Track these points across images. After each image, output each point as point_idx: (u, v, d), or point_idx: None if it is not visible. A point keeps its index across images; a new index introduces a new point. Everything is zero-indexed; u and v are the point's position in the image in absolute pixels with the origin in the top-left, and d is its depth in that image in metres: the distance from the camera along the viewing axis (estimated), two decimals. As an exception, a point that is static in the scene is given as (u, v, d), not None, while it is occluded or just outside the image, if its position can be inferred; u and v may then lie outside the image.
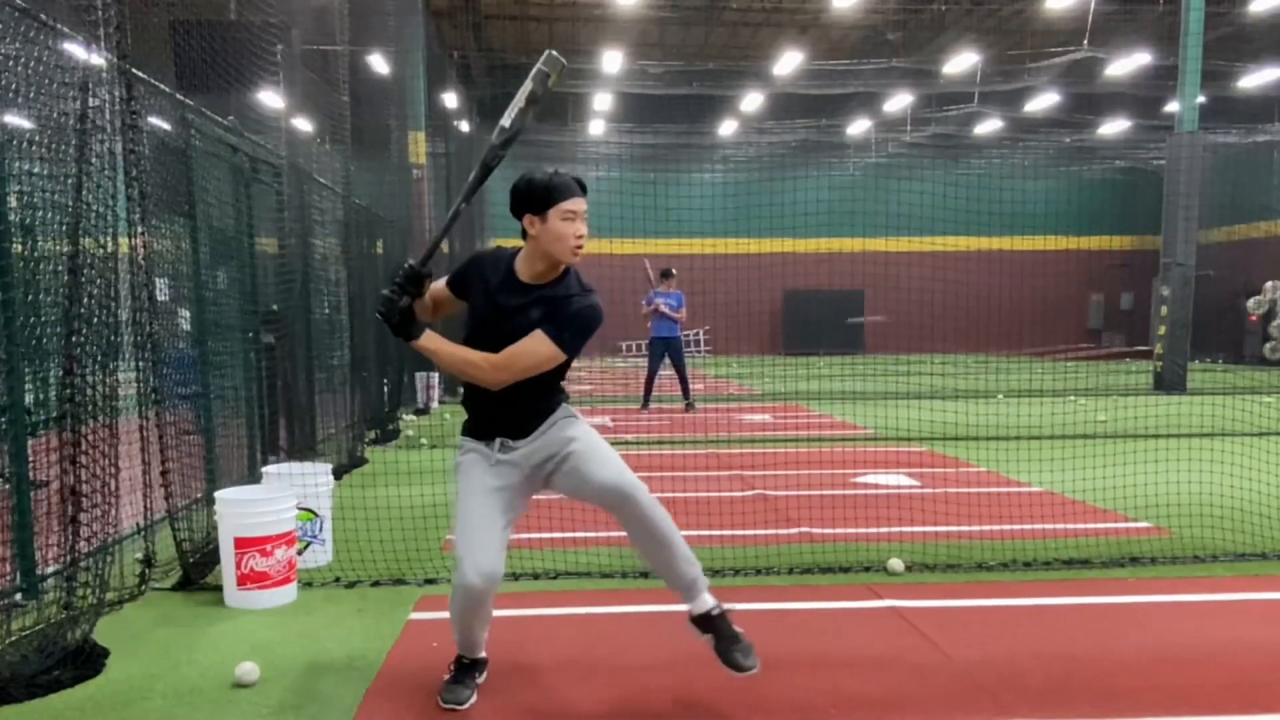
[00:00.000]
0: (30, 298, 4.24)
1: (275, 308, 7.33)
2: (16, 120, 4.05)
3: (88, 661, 3.73)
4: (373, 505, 6.25)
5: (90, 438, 3.99)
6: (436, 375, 13.94)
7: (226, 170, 6.38)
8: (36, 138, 4.07)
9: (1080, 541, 5.61)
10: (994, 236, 17.31)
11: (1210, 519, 5.84)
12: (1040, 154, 27.91)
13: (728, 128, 26.83)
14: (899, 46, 22.87)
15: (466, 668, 3.47)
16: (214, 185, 6.12)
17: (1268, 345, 22.18)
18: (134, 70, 4.53)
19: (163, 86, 5.27)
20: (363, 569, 5.03)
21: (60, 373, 4.03)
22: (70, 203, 4.00)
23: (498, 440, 3.30)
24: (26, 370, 4.32)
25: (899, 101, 24.29)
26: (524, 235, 3.21)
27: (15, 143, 4.09)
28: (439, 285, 3.37)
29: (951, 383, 17.23)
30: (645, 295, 12.60)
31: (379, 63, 11.89)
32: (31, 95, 3.94)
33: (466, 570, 3.17)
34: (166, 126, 5.49)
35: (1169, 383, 15.74)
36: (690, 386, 13.07)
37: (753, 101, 24.72)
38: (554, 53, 3.23)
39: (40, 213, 4.07)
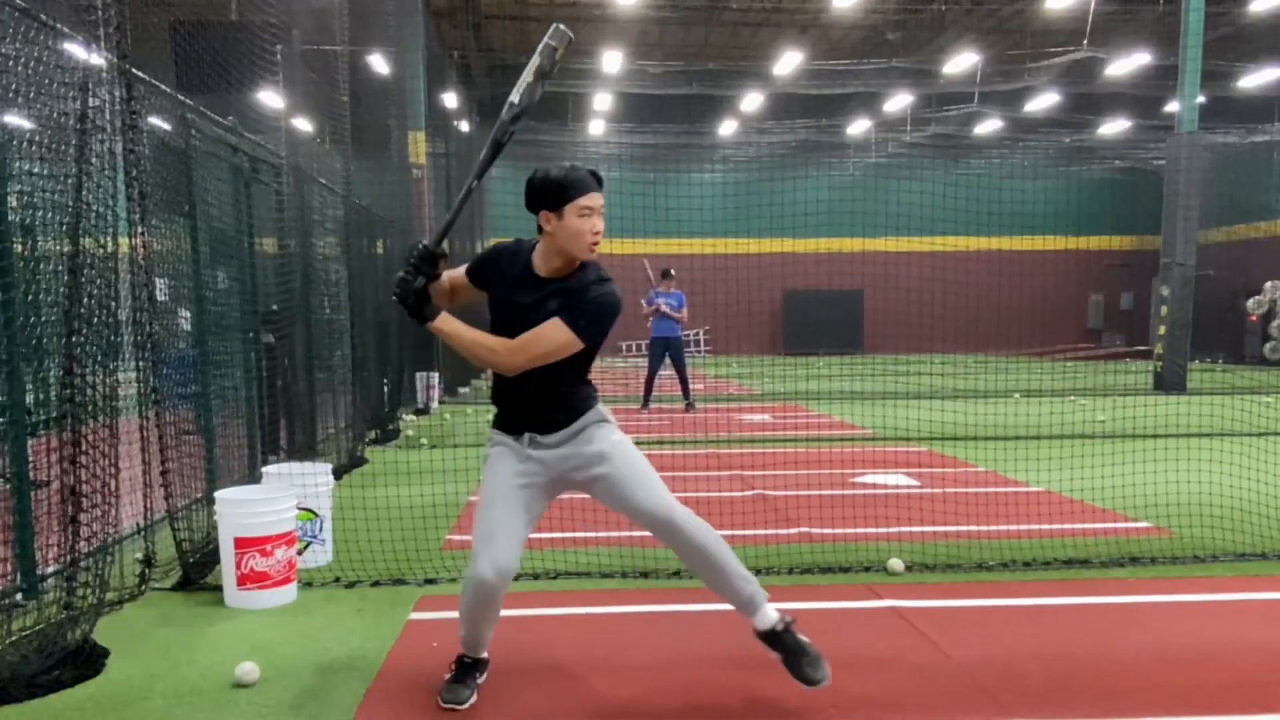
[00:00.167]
0: (30, 298, 4.24)
1: (275, 308, 7.33)
2: (16, 120, 4.05)
3: (88, 661, 3.73)
4: (373, 505, 6.25)
5: (90, 438, 3.99)
6: (436, 375, 13.94)
7: (226, 170, 6.38)
8: (36, 138, 4.07)
9: (1080, 541, 5.61)
10: (994, 236, 17.33)
11: (1210, 519, 5.84)
12: (1040, 154, 27.92)
13: (728, 128, 26.84)
14: (899, 46, 22.87)
15: (468, 667, 3.46)
16: (214, 185, 6.11)
17: (1268, 345, 22.22)
18: (134, 70, 4.53)
19: (163, 86, 5.27)
20: (363, 569, 5.03)
21: (60, 373, 4.03)
22: (70, 203, 4.00)
23: (527, 435, 3.28)
24: (26, 370, 4.32)
25: (899, 101, 24.30)
26: (540, 230, 3.19)
27: (15, 143, 4.09)
28: (457, 272, 3.36)
29: (951, 382, 17.23)
30: (646, 295, 12.61)
31: (379, 63, 11.89)
32: (31, 95, 3.94)
33: (482, 564, 3.16)
34: (166, 126, 5.49)
35: (1169, 383, 15.74)
36: (690, 387, 13.07)
37: (753, 101, 24.72)
38: (561, 26, 3.23)
39: (40, 213, 4.07)
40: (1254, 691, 3.47)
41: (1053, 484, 7.33)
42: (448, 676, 3.45)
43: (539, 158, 22.80)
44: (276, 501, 4.62)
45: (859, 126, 26.40)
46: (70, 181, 4.01)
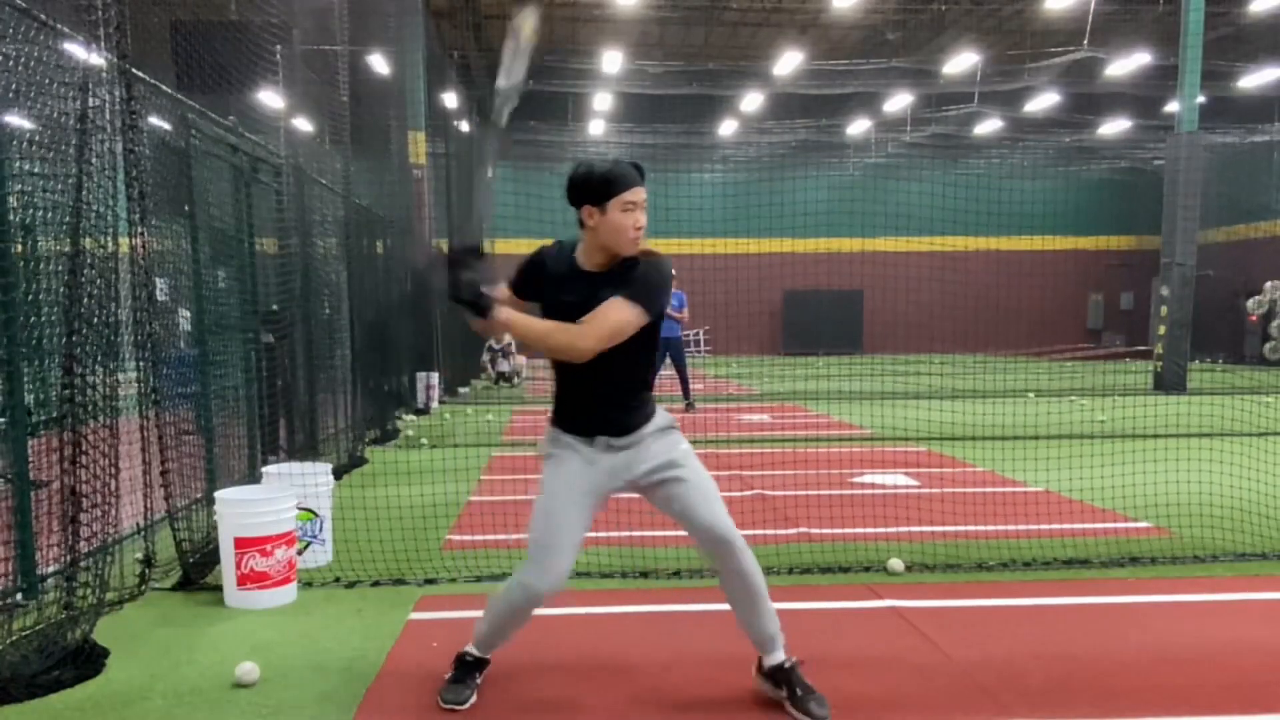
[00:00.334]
0: (30, 298, 4.24)
1: (275, 308, 7.33)
2: (16, 120, 4.05)
3: (88, 661, 3.73)
4: (373, 505, 6.24)
5: (90, 438, 3.99)
6: (436, 375, 13.94)
7: (226, 170, 6.38)
8: (36, 138, 4.07)
9: (1080, 541, 5.60)
10: (994, 236, 17.32)
11: (1210, 519, 5.84)
12: (1040, 154, 27.93)
13: (728, 128, 26.84)
14: (899, 46, 22.88)
15: (469, 666, 3.45)
16: (214, 185, 6.11)
17: (1268, 345, 22.23)
18: (134, 70, 4.53)
19: (163, 86, 5.27)
20: (363, 569, 5.03)
21: (60, 373, 4.03)
22: (70, 203, 4.00)
23: (601, 439, 3.21)
24: (26, 370, 4.32)
25: (899, 101, 24.30)
26: (581, 225, 3.13)
27: (15, 143, 4.09)
28: (502, 290, 3.27)
29: (949, 382, 17.23)
30: None
31: (379, 63, 11.89)
32: (32, 95, 3.94)
33: (541, 575, 3.14)
34: (166, 126, 5.49)
35: (1169, 383, 15.74)
36: (690, 387, 13.07)
37: (753, 101, 24.72)
38: (529, 5, 3.17)
39: (40, 213, 4.07)
40: (1254, 691, 3.47)
41: (1052, 484, 7.33)
42: (448, 676, 3.45)
43: (540, 158, 22.83)
44: (276, 501, 4.62)
45: (859, 126, 26.40)
46: (70, 181, 4.01)
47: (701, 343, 27.18)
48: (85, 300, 4.01)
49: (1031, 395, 14.75)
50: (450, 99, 18.69)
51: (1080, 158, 28.24)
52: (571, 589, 4.73)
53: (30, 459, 4.24)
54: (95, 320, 4.04)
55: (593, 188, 3.06)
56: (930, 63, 22.05)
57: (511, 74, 3.12)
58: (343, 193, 9.35)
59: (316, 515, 5.16)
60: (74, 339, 3.96)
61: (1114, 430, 10.45)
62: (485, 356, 17.97)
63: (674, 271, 3.24)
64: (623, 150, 25.34)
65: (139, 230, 4.62)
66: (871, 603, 4.51)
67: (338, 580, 4.91)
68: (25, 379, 4.28)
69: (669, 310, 13.82)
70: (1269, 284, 22.30)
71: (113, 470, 4.11)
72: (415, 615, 4.36)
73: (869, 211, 16.39)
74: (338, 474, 6.84)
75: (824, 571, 5.00)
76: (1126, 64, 20.43)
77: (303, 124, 8.57)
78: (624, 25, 22.47)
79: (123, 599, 4.52)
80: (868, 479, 7.80)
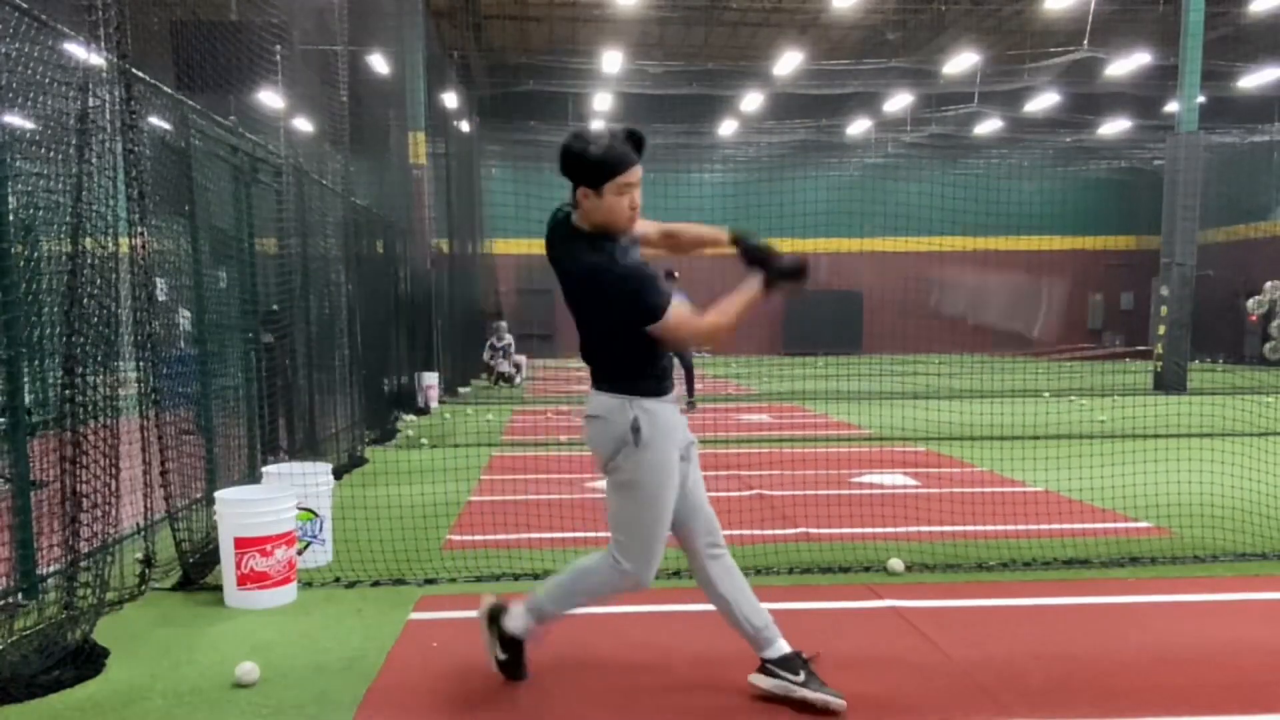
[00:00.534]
0: (30, 298, 4.24)
1: (275, 308, 7.33)
2: (16, 120, 4.05)
3: (88, 661, 3.73)
4: (373, 505, 6.24)
5: (90, 438, 3.99)
6: (436, 375, 13.95)
7: (226, 170, 6.38)
8: (36, 138, 4.07)
9: (1080, 541, 5.61)
10: (994, 236, 17.31)
11: (1211, 519, 5.84)
12: (1040, 154, 27.93)
13: (728, 128, 26.83)
14: (899, 46, 22.87)
15: (519, 645, 3.48)
16: (214, 185, 6.11)
17: (1268, 345, 22.21)
18: (134, 70, 4.52)
19: (163, 86, 5.27)
20: (363, 569, 5.03)
21: (60, 373, 4.03)
22: (70, 203, 4.00)
23: (674, 394, 3.27)
24: (26, 370, 4.32)
25: (899, 101, 24.29)
26: (574, 198, 3.10)
27: (15, 143, 4.09)
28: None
29: (949, 382, 17.22)
30: None
31: (379, 63, 11.89)
32: (31, 95, 3.93)
33: (646, 574, 3.22)
34: (166, 126, 5.49)
35: (1169, 383, 15.74)
36: (695, 386, 13.08)
37: (753, 101, 24.71)
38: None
39: (40, 213, 4.07)
40: (1254, 691, 3.47)
41: (1052, 484, 7.33)
42: (504, 657, 3.47)
43: (540, 158, 22.78)
44: (276, 501, 4.62)
45: (859, 126, 26.39)
46: (70, 181, 4.01)
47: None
48: (85, 300, 4.01)
49: (1046, 395, 14.74)
50: (450, 99, 18.69)
51: (1080, 158, 28.23)
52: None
53: (30, 459, 4.24)
54: (95, 320, 4.04)
55: (587, 170, 3.02)
56: (930, 63, 22.05)
57: None
58: (343, 193, 9.35)
59: (316, 515, 5.16)
60: (74, 339, 3.96)
61: (1114, 430, 10.45)
62: (486, 354, 17.97)
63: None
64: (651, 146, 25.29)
65: (139, 230, 4.62)
66: (871, 603, 4.51)
67: (338, 580, 4.91)
68: (25, 379, 4.28)
69: None
70: (1269, 284, 22.29)
71: (113, 470, 4.11)
72: (415, 615, 4.36)
73: (869, 211, 16.38)
74: (338, 474, 6.84)
75: (824, 571, 5.00)
76: (1126, 64, 20.43)
77: (303, 124, 8.57)
78: (624, 25, 22.46)
79: (123, 599, 4.52)
80: (868, 479, 7.80)
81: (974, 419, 10.54)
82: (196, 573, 4.87)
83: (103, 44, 4.18)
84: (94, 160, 4.04)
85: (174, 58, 7.12)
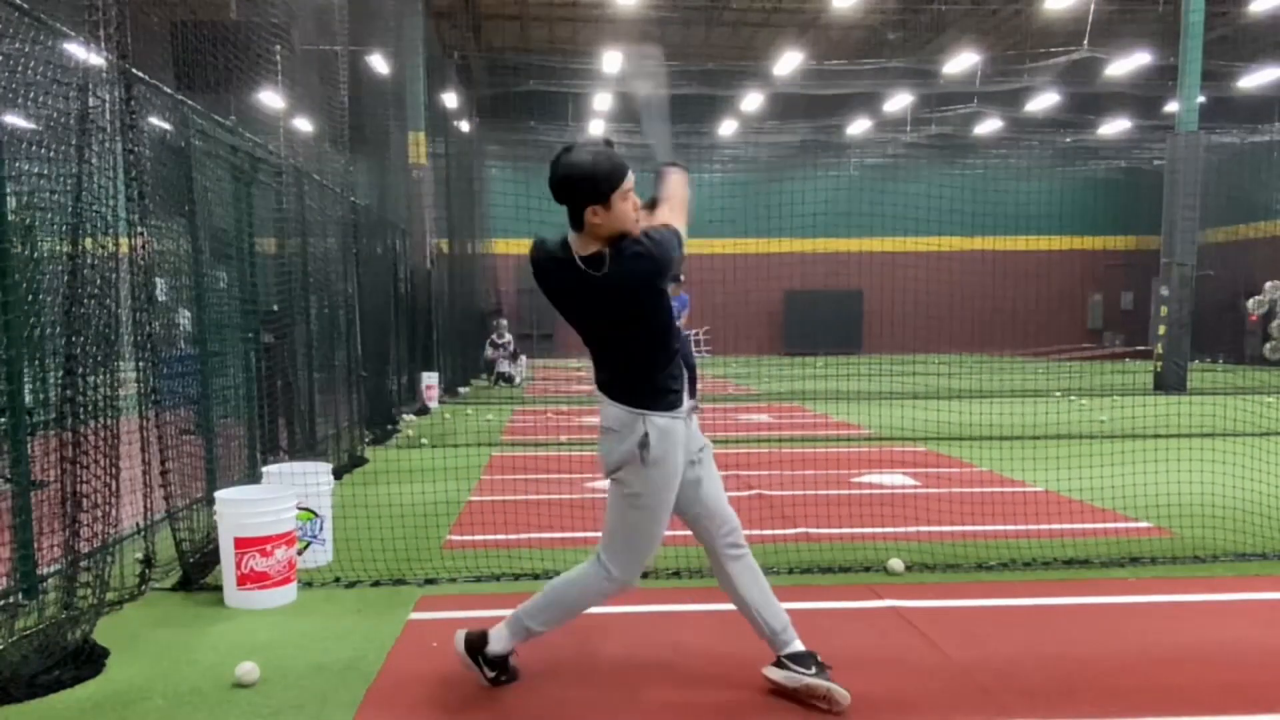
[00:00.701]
0: (30, 298, 4.24)
1: (275, 308, 7.33)
2: (16, 120, 4.05)
3: (88, 661, 3.73)
4: (373, 505, 6.24)
5: (90, 438, 3.99)
6: (436, 375, 13.94)
7: (226, 170, 6.38)
8: (36, 138, 4.07)
9: (1080, 541, 5.60)
10: (994, 236, 17.32)
11: (1211, 519, 5.84)
12: (1040, 154, 27.93)
13: (728, 128, 26.82)
14: (899, 46, 22.87)
15: (506, 661, 3.49)
16: (214, 185, 6.11)
17: (1268, 345, 22.22)
18: (134, 70, 4.52)
19: (163, 86, 5.26)
20: (363, 569, 5.03)
21: (60, 373, 4.02)
22: (70, 203, 4.00)
23: (688, 404, 3.30)
24: (26, 370, 4.32)
25: (899, 101, 24.30)
26: (576, 223, 3.10)
27: (15, 143, 4.09)
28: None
29: (949, 382, 17.21)
30: None
31: (379, 63, 11.89)
32: (31, 95, 3.93)
33: (634, 576, 3.29)
34: (166, 126, 5.49)
35: (1169, 383, 15.74)
36: (698, 386, 13.07)
37: (753, 101, 24.70)
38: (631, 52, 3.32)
39: (40, 213, 4.07)
40: (1254, 691, 3.47)
41: (1053, 484, 7.33)
42: (493, 674, 3.47)
43: (540, 158, 22.76)
44: (276, 501, 4.62)
45: (859, 126, 26.38)
46: (70, 181, 4.01)
47: (702, 343, 27.17)
48: (85, 300, 4.01)
49: (1058, 394, 14.72)
50: (450, 99, 18.70)
51: (1080, 157, 28.22)
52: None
53: (30, 459, 4.24)
54: (95, 320, 4.04)
55: (597, 186, 3.04)
56: (930, 63, 22.04)
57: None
58: (343, 193, 9.35)
59: (316, 515, 5.16)
60: (74, 339, 3.96)
61: (1114, 430, 10.45)
62: (488, 352, 17.96)
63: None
64: (623, 151, 25.30)
65: (139, 230, 4.62)
66: (871, 603, 4.50)
67: (338, 580, 4.91)
68: (26, 379, 4.27)
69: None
70: (1269, 284, 22.29)
71: (113, 470, 4.11)
72: (415, 615, 4.36)
73: (869, 212, 16.35)
74: (338, 474, 6.84)
75: (824, 571, 5.00)
76: (1126, 64, 20.42)
77: (303, 124, 8.57)
78: (624, 25, 22.45)
79: (123, 599, 4.52)
80: (868, 479, 7.80)
81: (974, 419, 10.54)
82: (196, 573, 4.87)
83: (103, 44, 4.18)
84: (94, 160, 4.03)
85: (174, 58, 7.12)
